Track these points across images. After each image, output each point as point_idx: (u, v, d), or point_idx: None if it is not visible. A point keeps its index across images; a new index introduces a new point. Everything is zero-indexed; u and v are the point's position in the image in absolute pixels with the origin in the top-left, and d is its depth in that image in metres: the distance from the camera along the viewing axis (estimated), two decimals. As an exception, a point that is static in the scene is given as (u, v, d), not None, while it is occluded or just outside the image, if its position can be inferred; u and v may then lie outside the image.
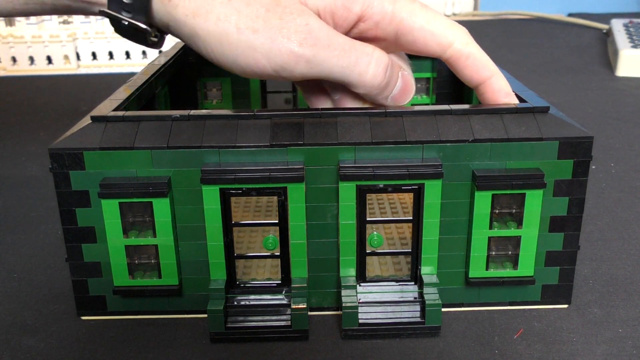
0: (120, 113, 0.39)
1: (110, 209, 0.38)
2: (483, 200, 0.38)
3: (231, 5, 0.37)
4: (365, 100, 0.41)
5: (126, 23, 0.38)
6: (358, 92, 0.38)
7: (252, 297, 0.40)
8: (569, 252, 0.40)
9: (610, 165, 0.65)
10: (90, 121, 0.39)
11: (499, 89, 0.40)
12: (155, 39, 0.40)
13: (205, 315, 0.40)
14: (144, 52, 1.12)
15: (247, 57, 0.36)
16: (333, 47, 0.36)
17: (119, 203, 0.38)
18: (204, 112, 0.39)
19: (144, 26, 0.38)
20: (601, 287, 0.44)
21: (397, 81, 0.38)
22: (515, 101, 0.41)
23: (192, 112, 0.39)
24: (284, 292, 0.40)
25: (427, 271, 0.40)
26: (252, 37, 0.35)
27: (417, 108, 0.39)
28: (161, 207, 0.38)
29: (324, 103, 0.44)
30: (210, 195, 0.38)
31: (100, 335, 0.40)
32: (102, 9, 0.39)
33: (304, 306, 0.39)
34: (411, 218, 0.39)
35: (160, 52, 1.10)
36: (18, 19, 1.11)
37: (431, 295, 0.39)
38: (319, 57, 0.35)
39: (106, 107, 0.40)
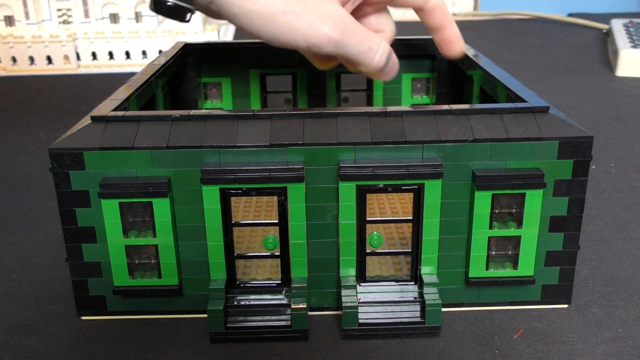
0: (120, 113, 0.39)
1: (110, 209, 0.38)
2: (483, 200, 0.38)
3: None
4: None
5: (170, 4, 0.40)
6: (359, 69, 0.43)
7: (252, 297, 0.40)
8: (569, 252, 0.40)
9: (610, 165, 0.65)
10: (90, 121, 0.39)
11: (454, 33, 0.47)
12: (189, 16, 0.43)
13: (205, 315, 0.40)
14: (144, 52, 1.12)
15: (288, 35, 0.41)
16: (356, 34, 0.41)
17: (119, 203, 0.38)
18: (204, 112, 0.39)
19: (188, 6, 0.41)
20: (601, 287, 0.44)
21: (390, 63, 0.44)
22: (462, 45, 0.45)
23: (192, 112, 0.39)
24: (284, 292, 0.40)
25: (427, 271, 0.40)
26: (294, 19, 0.40)
27: (417, 108, 0.39)
28: (161, 207, 0.38)
29: (327, 62, 0.48)
30: (210, 195, 0.38)
31: (100, 335, 0.40)
32: None
33: (304, 306, 0.39)
34: (411, 218, 0.39)
35: (160, 52, 1.10)
36: (17, 19, 1.11)
37: (431, 295, 0.39)
38: (345, 41, 0.41)
39: (106, 107, 0.40)
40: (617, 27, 1.15)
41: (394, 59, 0.45)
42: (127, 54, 1.12)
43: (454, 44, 0.48)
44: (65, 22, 1.15)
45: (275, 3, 0.40)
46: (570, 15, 1.54)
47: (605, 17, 1.42)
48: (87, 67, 1.12)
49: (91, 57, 1.12)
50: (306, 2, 0.41)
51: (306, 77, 0.62)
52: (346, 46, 0.41)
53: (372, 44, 0.42)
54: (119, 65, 1.12)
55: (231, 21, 0.42)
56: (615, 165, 0.66)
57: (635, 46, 1.03)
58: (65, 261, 0.41)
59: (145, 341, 0.39)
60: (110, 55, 1.12)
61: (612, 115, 0.82)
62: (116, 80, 1.02)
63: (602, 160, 0.67)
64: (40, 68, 1.10)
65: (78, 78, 1.07)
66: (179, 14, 0.41)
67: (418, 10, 0.48)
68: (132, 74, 0.50)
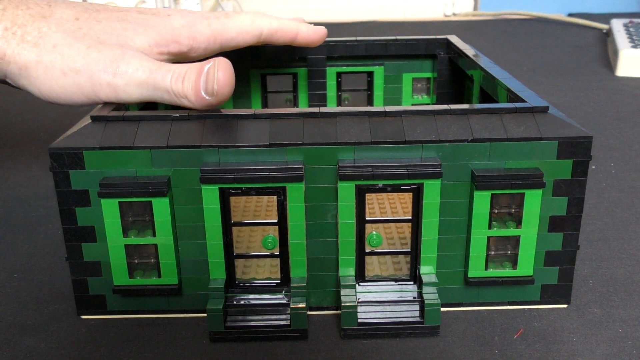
0: (120, 113, 0.39)
1: (110, 208, 0.38)
2: (482, 200, 0.38)
3: (55, 51, 0.41)
4: None
5: None
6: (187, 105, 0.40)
7: (252, 296, 0.40)
8: (569, 252, 0.40)
9: (610, 165, 0.65)
10: (90, 121, 0.39)
11: (307, 36, 0.50)
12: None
13: (205, 315, 0.40)
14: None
15: (77, 95, 0.41)
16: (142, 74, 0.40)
17: (119, 202, 0.38)
18: (203, 112, 0.39)
19: None
20: (601, 287, 0.44)
21: (197, 79, 0.40)
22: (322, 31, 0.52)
23: (192, 112, 0.39)
24: (283, 291, 0.40)
25: (427, 271, 0.40)
26: (76, 78, 0.41)
27: (416, 108, 0.39)
28: (161, 207, 0.38)
29: None
30: (210, 195, 0.38)
31: (101, 335, 0.40)
32: None
33: (303, 305, 0.39)
34: (410, 218, 0.39)
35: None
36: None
37: (430, 294, 0.39)
38: (130, 87, 0.40)
39: (106, 107, 0.40)
40: (617, 27, 1.15)
41: (205, 77, 0.39)
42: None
43: (316, 33, 0.50)
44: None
45: (54, 66, 0.41)
46: (570, 15, 1.54)
47: (605, 17, 1.42)
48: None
49: (91, 57, 1.12)
50: (89, 52, 0.41)
51: (307, 77, 0.62)
52: (134, 90, 0.40)
53: (164, 72, 0.39)
54: (120, 66, 1.12)
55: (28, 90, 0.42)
56: (615, 165, 0.66)
57: (635, 46, 1.03)
58: (65, 260, 0.41)
59: (144, 340, 0.39)
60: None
61: (612, 115, 0.82)
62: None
63: (602, 160, 0.67)
64: (41, 68, 1.10)
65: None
66: None
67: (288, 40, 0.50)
68: (132, 74, 0.50)
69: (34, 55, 0.41)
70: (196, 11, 0.48)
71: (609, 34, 1.23)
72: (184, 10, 0.48)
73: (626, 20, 1.20)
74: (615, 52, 1.04)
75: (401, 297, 0.40)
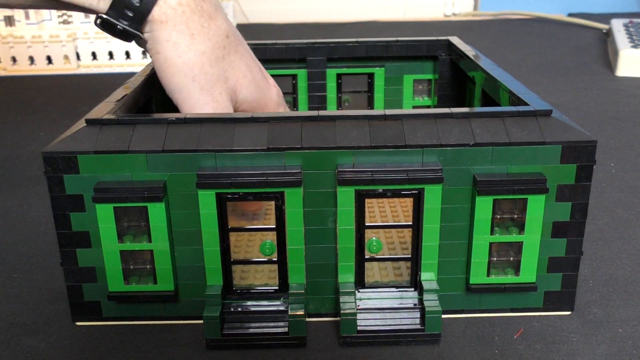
0: (115, 116, 0.38)
1: (104, 213, 0.38)
2: (484, 205, 0.38)
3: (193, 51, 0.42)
4: None
5: (120, 28, 0.41)
6: None
7: (249, 303, 0.40)
8: (572, 258, 0.40)
9: (610, 165, 0.65)
10: (85, 124, 0.38)
11: None
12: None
13: (202, 322, 0.40)
14: (144, 53, 1.11)
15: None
16: None
17: (114, 207, 0.38)
18: (200, 115, 0.38)
19: (137, 32, 0.41)
20: (601, 287, 0.44)
21: None
22: None
23: (188, 115, 0.38)
24: (281, 298, 0.40)
25: (427, 277, 0.40)
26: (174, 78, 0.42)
27: (417, 111, 0.39)
28: (156, 212, 0.38)
29: None
30: (207, 200, 0.37)
31: (100, 335, 0.39)
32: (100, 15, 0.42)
33: (302, 312, 0.38)
34: (411, 223, 0.39)
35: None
36: (17, 19, 1.11)
37: (431, 301, 0.38)
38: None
39: (101, 110, 0.40)
40: (617, 27, 1.15)
41: None
42: (127, 54, 1.12)
43: None
44: (65, 22, 1.15)
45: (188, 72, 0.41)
46: (570, 15, 1.54)
47: (605, 17, 1.41)
48: (87, 67, 1.12)
49: (91, 57, 1.12)
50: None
51: (306, 78, 0.62)
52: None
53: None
54: (119, 65, 1.12)
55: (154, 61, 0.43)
56: (615, 165, 0.65)
57: (635, 46, 1.02)
58: (60, 266, 0.41)
59: (140, 347, 0.39)
60: (110, 55, 1.12)
61: (612, 115, 0.82)
62: (116, 80, 1.01)
63: (602, 160, 0.66)
64: (40, 68, 1.10)
65: (78, 78, 1.06)
66: (125, 37, 0.41)
67: None
68: (132, 74, 0.49)
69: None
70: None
71: (609, 34, 1.22)
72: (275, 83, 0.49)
73: (626, 20, 1.19)
74: (615, 52, 1.04)
75: (401, 304, 0.40)
